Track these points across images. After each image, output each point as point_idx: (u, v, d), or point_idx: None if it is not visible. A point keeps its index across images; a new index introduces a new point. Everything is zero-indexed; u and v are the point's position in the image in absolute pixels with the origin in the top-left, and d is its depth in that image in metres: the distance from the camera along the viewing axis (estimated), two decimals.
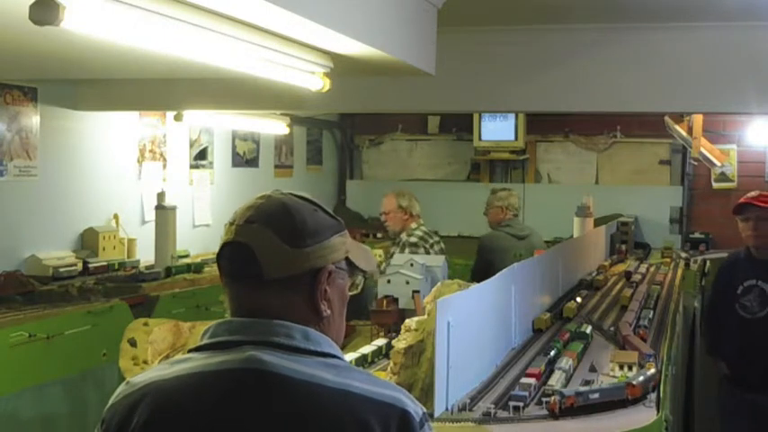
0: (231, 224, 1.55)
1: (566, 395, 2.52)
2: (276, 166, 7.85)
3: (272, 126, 6.73)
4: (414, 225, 5.66)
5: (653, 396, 2.72)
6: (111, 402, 1.52)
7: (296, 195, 1.59)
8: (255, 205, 1.55)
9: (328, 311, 1.55)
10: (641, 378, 2.74)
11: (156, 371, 1.52)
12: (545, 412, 2.54)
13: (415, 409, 1.47)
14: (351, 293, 1.68)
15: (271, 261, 1.50)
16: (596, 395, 2.58)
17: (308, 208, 1.57)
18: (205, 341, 1.52)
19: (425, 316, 2.85)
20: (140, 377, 1.52)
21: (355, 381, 1.46)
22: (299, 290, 1.52)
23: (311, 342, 1.49)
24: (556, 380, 2.81)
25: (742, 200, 4.84)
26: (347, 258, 1.60)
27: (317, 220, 1.56)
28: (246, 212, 1.55)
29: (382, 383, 1.50)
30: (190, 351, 1.53)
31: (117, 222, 5.60)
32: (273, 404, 1.42)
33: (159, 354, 3.25)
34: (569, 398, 2.51)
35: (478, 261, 6.04)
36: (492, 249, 5.96)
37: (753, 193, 4.83)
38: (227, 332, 1.51)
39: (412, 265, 3.80)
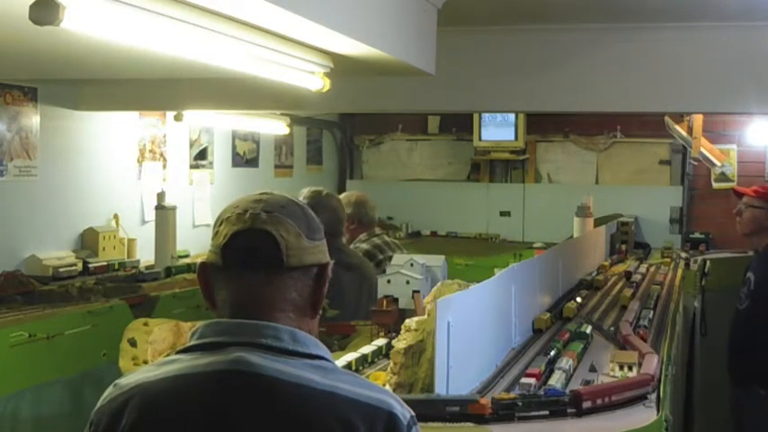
0: (243, 213, 1.53)
1: None
2: (276, 166, 7.85)
3: (272, 126, 6.73)
4: (363, 236, 4.86)
5: (653, 396, 2.72)
6: (98, 405, 1.52)
7: None
8: (263, 199, 1.56)
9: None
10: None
11: (144, 372, 1.52)
12: None
13: (403, 412, 1.47)
14: None
15: (291, 249, 1.51)
16: None
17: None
18: (193, 342, 1.52)
19: (425, 316, 2.84)
20: (127, 379, 1.52)
21: (342, 383, 1.46)
22: (307, 282, 1.54)
23: (299, 344, 1.49)
24: (556, 380, 2.81)
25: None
26: None
27: (317, 218, 1.61)
28: (257, 204, 1.54)
29: (370, 386, 1.51)
30: (177, 352, 1.53)
31: (117, 222, 5.60)
32: (261, 405, 1.42)
33: (159, 354, 3.24)
34: None
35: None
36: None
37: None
38: (215, 333, 1.50)
39: (412, 265, 3.79)
